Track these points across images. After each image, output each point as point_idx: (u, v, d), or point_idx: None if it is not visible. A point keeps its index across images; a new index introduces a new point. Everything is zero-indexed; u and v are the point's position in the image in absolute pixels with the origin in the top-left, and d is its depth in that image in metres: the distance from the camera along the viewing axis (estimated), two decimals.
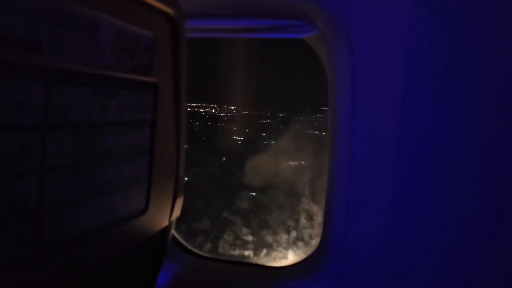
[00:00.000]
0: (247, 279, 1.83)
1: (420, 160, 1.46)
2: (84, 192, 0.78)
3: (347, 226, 1.58)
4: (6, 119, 0.58)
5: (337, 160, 1.65)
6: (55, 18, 0.66)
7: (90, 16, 0.75)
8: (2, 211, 0.60)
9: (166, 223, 1.20)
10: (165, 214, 1.18)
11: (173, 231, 1.55)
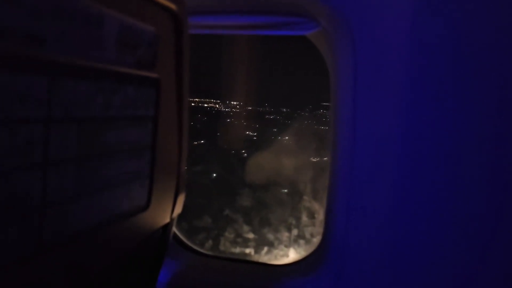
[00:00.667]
0: (248, 277, 1.83)
1: (421, 160, 1.45)
2: (86, 187, 0.78)
3: (348, 225, 1.58)
4: (9, 113, 0.58)
5: (338, 158, 1.65)
6: (59, 12, 0.66)
7: (94, 11, 0.75)
8: (5, 206, 0.60)
9: (167, 219, 1.20)
10: (167, 211, 1.18)
11: (174, 229, 1.55)
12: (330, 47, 1.65)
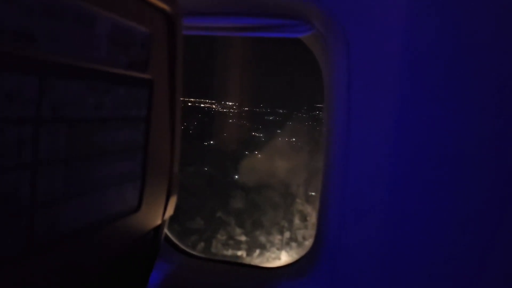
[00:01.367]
0: (240, 279, 1.82)
1: (415, 161, 1.46)
2: (77, 188, 0.77)
3: (340, 227, 1.58)
4: None
5: (332, 160, 1.65)
6: (50, 11, 0.65)
7: (86, 10, 0.74)
8: None
9: (159, 221, 1.19)
10: (159, 212, 1.17)
11: (166, 230, 1.54)
12: (324, 50, 1.65)
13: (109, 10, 0.81)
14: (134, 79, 0.92)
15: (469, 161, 1.42)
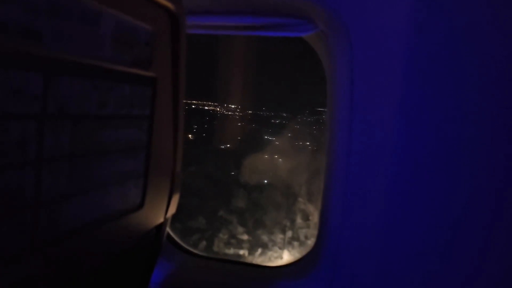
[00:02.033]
0: (241, 278, 1.82)
1: (418, 161, 1.45)
2: (80, 185, 0.77)
3: (343, 227, 1.58)
4: (4, 109, 0.58)
5: (334, 160, 1.65)
6: (56, 8, 0.65)
7: (91, 8, 0.74)
8: None
9: (161, 219, 1.19)
10: (161, 211, 1.17)
11: (168, 229, 1.55)
12: (327, 49, 1.65)
13: (113, 8, 0.81)
14: (137, 77, 0.93)
15: (472, 161, 1.41)
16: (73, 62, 0.71)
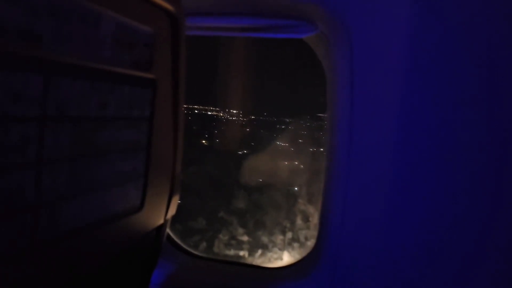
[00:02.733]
0: (241, 280, 1.82)
1: (417, 162, 1.46)
2: (80, 187, 0.78)
3: (343, 228, 1.58)
4: (4, 111, 0.58)
5: (334, 161, 1.65)
6: (56, 11, 0.65)
7: (91, 10, 0.74)
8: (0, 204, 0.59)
9: (161, 221, 1.19)
10: (161, 212, 1.17)
11: (168, 230, 1.55)
12: (328, 51, 1.65)
13: (113, 10, 0.81)
14: (137, 78, 0.93)
15: (472, 161, 1.41)
16: (73, 63, 0.71)
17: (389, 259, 1.54)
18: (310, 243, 1.89)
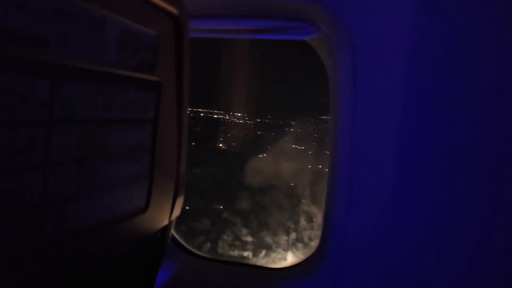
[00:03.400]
0: (245, 280, 1.83)
1: (421, 162, 1.46)
2: (86, 188, 0.78)
3: (346, 229, 1.58)
4: (11, 114, 0.59)
5: (338, 162, 1.65)
6: (61, 14, 0.66)
7: (96, 14, 0.75)
8: (6, 205, 0.60)
9: (166, 222, 1.20)
10: (166, 213, 1.18)
11: (172, 231, 1.55)
12: (330, 52, 1.65)
13: (118, 14, 0.82)
14: (142, 81, 0.94)
15: (475, 162, 1.41)
16: (79, 67, 0.72)
17: (392, 260, 1.54)
18: (314, 243, 1.89)
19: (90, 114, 0.77)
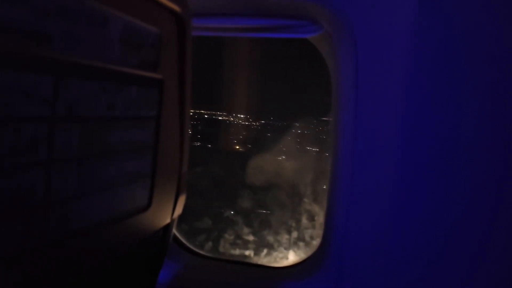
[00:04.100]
0: (247, 279, 1.83)
1: (423, 161, 1.45)
2: (89, 186, 0.78)
3: (348, 228, 1.58)
4: (15, 111, 0.59)
5: (339, 160, 1.65)
6: (65, 11, 0.66)
7: (99, 11, 0.75)
8: (9, 203, 0.60)
9: (168, 220, 1.20)
10: (168, 211, 1.18)
11: (174, 230, 1.55)
12: (332, 50, 1.65)
13: (121, 11, 0.82)
14: (145, 79, 0.93)
15: (476, 162, 1.41)
16: (82, 64, 0.72)
17: (393, 259, 1.54)
18: (315, 242, 1.89)
19: (93, 112, 0.76)
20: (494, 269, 1.46)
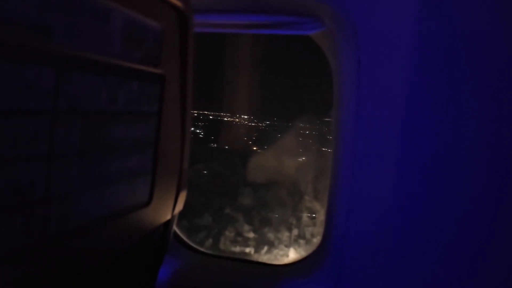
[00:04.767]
0: (247, 276, 1.83)
1: (424, 160, 1.45)
2: (89, 181, 0.78)
3: (348, 226, 1.58)
4: (16, 104, 0.58)
5: (340, 158, 1.65)
6: (67, 5, 0.66)
7: (101, 5, 0.75)
8: (9, 197, 0.60)
9: (169, 216, 1.20)
10: (168, 207, 1.18)
11: (174, 227, 1.56)
12: (334, 48, 1.65)
13: (123, 6, 0.82)
14: (146, 74, 0.93)
15: (478, 163, 1.41)
16: (84, 58, 0.72)
17: (393, 259, 1.54)
18: (316, 240, 1.89)
19: (94, 106, 0.76)
20: (494, 269, 1.46)
